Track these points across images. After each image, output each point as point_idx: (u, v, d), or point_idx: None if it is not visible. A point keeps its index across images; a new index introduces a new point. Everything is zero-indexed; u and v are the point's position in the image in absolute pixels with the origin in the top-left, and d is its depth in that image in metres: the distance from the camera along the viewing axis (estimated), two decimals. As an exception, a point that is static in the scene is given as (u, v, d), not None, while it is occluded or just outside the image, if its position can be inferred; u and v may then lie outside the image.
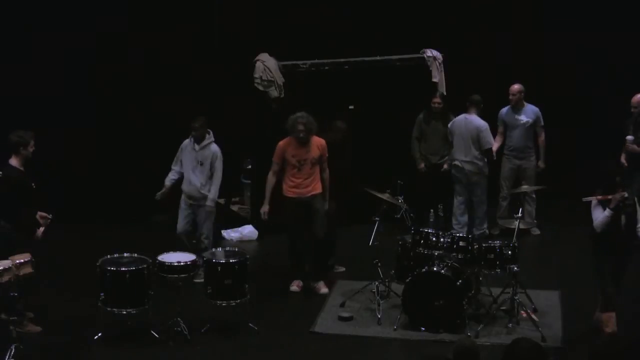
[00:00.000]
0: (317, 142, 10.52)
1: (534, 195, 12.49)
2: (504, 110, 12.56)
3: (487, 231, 12.41)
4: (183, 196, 10.89)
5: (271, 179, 10.55)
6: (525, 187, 11.47)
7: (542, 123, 12.42)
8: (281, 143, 10.49)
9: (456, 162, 12.30)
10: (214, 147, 10.74)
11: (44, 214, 9.39)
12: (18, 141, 9.41)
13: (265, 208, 10.54)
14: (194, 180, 10.69)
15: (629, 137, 11.83)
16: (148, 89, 13.31)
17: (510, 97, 12.40)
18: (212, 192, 10.73)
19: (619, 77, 13.11)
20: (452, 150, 12.32)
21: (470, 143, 12.14)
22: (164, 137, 13.26)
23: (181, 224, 10.92)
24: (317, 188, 10.58)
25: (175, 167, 10.92)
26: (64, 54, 12.75)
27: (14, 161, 9.44)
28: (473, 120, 12.17)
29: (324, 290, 10.62)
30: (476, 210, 12.38)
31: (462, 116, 12.30)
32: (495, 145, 12.36)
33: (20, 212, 9.36)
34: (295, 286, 10.67)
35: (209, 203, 10.73)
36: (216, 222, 12.82)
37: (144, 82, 13.27)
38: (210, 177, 10.71)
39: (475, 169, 12.21)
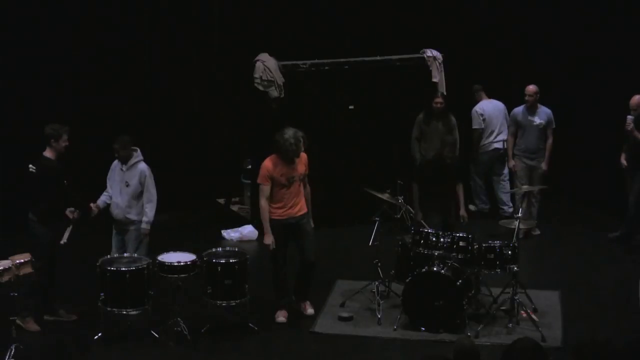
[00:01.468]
0: (303, 158, 9.82)
1: (538, 196, 12.47)
2: (518, 110, 12.49)
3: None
4: (112, 221, 10.17)
5: (266, 205, 9.67)
6: (525, 187, 11.47)
7: (554, 126, 12.39)
8: (268, 164, 9.69)
9: (497, 145, 12.95)
10: (142, 166, 9.97)
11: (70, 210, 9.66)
12: (50, 134, 9.52)
13: (270, 238, 9.67)
14: (121, 203, 9.94)
15: (630, 117, 11.82)
16: (148, 89, 13.31)
17: (527, 97, 12.32)
18: (149, 214, 9.94)
19: (619, 78, 13.10)
20: (487, 134, 12.88)
21: (505, 122, 12.92)
22: (163, 137, 13.30)
23: (114, 251, 10.06)
24: (305, 207, 9.88)
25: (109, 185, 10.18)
26: (65, 53, 12.77)
27: (48, 153, 9.57)
28: (495, 102, 13.09)
29: (310, 311, 9.99)
30: (505, 188, 13.11)
31: (485, 101, 13.07)
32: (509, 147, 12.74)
33: (46, 205, 9.46)
34: (281, 317, 9.86)
35: (145, 226, 9.95)
36: (216, 222, 12.89)
37: (144, 82, 13.27)
38: (136, 198, 9.94)
39: (503, 148, 12.98)
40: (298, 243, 9.88)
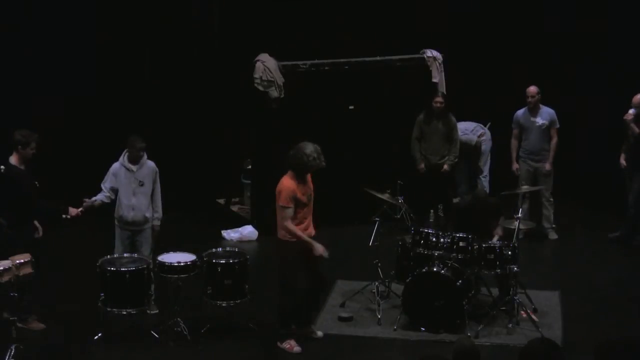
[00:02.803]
0: (309, 177, 9.35)
1: (551, 199, 12.40)
2: (520, 112, 12.41)
3: None
4: (120, 225, 9.91)
5: (293, 226, 9.09)
6: (525, 188, 11.46)
7: (558, 125, 12.30)
8: (289, 184, 9.05)
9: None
10: (151, 163, 9.91)
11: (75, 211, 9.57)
12: (19, 140, 9.42)
13: (321, 247, 9.12)
14: (138, 204, 9.81)
15: (632, 110, 11.80)
16: (148, 89, 13.32)
17: (529, 99, 12.20)
18: (160, 211, 9.97)
19: (619, 77, 13.10)
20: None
21: None
22: (163, 138, 13.30)
23: (121, 252, 9.85)
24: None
25: (106, 187, 9.88)
26: (66, 56, 12.79)
27: (13, 159, 9.47)
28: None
29: (319, 333, 9.55)
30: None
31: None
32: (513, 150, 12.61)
33: (16, 210, 9.39)
34: (297, 347, 9.30)
35: (157, 222, 9.96)
36: (216, 222, 12.89)
37: (144, 82, 13.28)
38: (150, 196, 9.89)
39: None
40: (311, 264, 9.29)
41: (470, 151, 13.35)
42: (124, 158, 9.88)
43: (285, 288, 9.28)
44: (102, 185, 9.94)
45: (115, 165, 9.90)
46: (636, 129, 11.79)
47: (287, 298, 9.28)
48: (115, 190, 9.88)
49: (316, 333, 9.59)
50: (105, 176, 9.94)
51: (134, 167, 9.85)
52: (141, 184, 9.86)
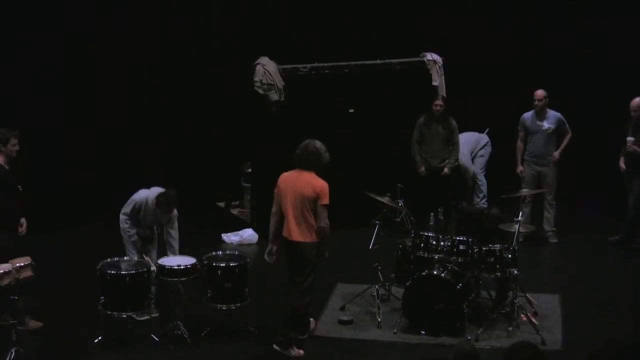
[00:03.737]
0: None
1: (553, 203, 12.38)
2: (527, 115, 12.36)
3: None
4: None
5: None
6: (524, 191, 11.46)
7: (568, 126, 12.25)
8: (324, 182, 9.21)
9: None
10: (175, 212, 9.89)
11: None
12: None
13: None
14: (150, 235, 9.95)
15: (630, 138, 11.81)
16: (147, 91, 13.33)
17: (536, 102, 12.15)
18: (177, 251, 9.88)
19: (618, 80, 13.11)
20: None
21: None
22: (163, 140, 13.32)
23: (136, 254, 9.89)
24: None
25: (131, 223, 9.84)
26: (65, 56, 12.80)
27: None
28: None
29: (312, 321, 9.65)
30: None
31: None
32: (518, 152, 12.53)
33: (8, 210, 9.38)
34: (300, 350, 9.27)
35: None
36: (216, 225, 12.90)
37: (144, 83, 13.29)
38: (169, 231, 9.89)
39: None
40: None
41: (465, 177, 13.38)
42: (155, 200, 9.74)
43: (306, 289, 9.17)
44: (122, 214, 9.83)
45: (143, 199, 9.76)
46: None
47: (305, 299, 9.21)
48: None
49: (312, 322, 9.57)
50: (132, 208, 9.80)
51: (158, 211, 9.78)
52: (157, 225, 9.92)
